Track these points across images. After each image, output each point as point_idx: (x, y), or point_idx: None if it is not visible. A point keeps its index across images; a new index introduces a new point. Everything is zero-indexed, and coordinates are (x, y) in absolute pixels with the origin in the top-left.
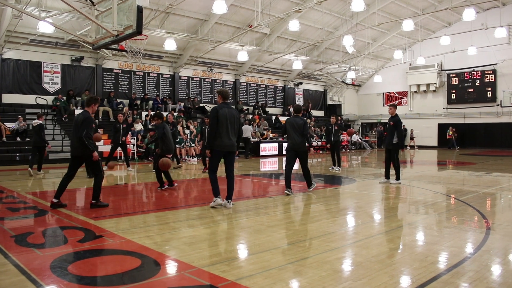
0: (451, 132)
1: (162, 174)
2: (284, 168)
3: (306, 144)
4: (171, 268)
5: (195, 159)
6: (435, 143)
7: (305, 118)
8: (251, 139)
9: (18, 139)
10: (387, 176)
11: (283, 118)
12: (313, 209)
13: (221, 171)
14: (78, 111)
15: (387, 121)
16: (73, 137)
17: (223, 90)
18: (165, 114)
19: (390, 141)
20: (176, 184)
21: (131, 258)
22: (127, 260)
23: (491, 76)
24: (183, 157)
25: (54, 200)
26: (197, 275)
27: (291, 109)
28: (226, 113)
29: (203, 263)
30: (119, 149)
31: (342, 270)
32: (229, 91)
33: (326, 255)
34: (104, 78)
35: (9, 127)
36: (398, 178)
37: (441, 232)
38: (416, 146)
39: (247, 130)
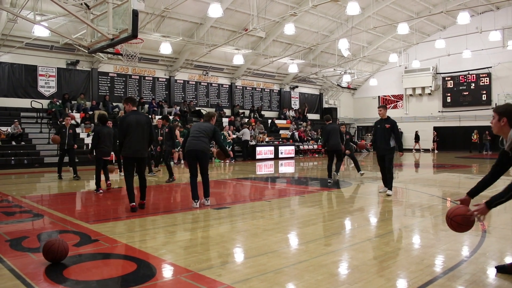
0: (475, 135)
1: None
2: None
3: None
4: (167, 272)
5: None
6: (431, 146)
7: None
8: (250, 142)
9: (13, 143)
10: (385, 183)
11: (279, 122)
12: (309, 213)
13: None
14: (74, 115)
15: (375, 124)
16: (139, 139)
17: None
18: (158, 117)
19: (387, 146)
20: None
21: (127, 262)
22: (123, 264)
23: (486, 79)
24: (175, 160)
25: (139, 202)
26: (193, 279)
27: (288, 113)
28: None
29: (199, 267)
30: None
31: (338, 274)
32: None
33: (322, 258)
34: (100, 81)
35: (4, 131)
36: (390, 187)
37: (437, 235)
38: (436, 150)
39: (247, 134)
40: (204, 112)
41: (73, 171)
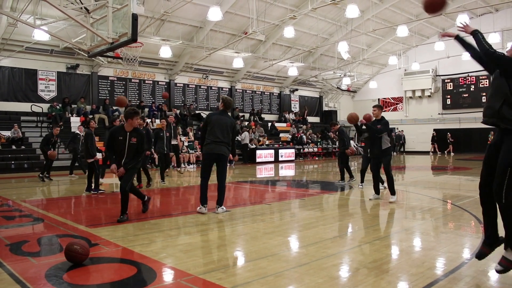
0: (492, 137)
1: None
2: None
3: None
4: (167, 276)
5: (192, 166)
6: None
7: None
8: (250, 145)
9: (14, 147)
10: (377, 190)
11: (279, 125)
12: (310, 216)
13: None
14: (74, 119)
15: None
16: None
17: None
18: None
19: (379, 147)
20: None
21: (127, 266)
22: (123, 268)
23: (486, 81)
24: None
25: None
26: (193, 282)
27: (288, 116)
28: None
29: (199, 271)
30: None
31: (339, 277)
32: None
33: (323, 261)
34: (100, 85)
35: (4, 135)
36: (393, 192)
37: (438, 238)
38: (452, 153)
39: (246, 137)
40: (225, 99)
41: (42, 171)
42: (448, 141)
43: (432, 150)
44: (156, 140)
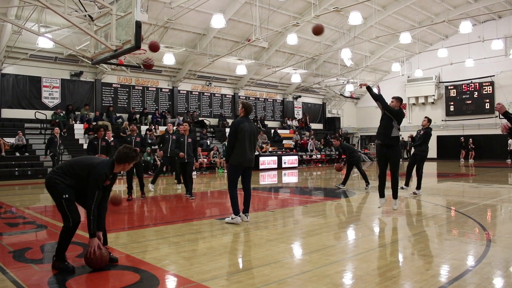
0: None
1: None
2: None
3: None
4: (170, 283)
5: (194, 172)
6: (435, 155)
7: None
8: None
9: (17, 154)
10: (382, 193)
11: (282, 132)
12: (313, 222)
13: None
14: (77, 126)
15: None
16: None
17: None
18: (163, 128)
19: (387, 133)
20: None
21: (130, 273)
22: (126, 275)
23: (489, 88)
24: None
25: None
26: None
27: (291, 123)
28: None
29: (202, 278)
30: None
31: (342, 284)
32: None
33: (326, 268)
34: (103, 92)
35: (8, 142)
36: (396, 196)
37: (442, 245)
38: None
39: None
40: (245, 104)
41: None
42: (469, 147)
43: (463, 156)
44: (178, 148)
